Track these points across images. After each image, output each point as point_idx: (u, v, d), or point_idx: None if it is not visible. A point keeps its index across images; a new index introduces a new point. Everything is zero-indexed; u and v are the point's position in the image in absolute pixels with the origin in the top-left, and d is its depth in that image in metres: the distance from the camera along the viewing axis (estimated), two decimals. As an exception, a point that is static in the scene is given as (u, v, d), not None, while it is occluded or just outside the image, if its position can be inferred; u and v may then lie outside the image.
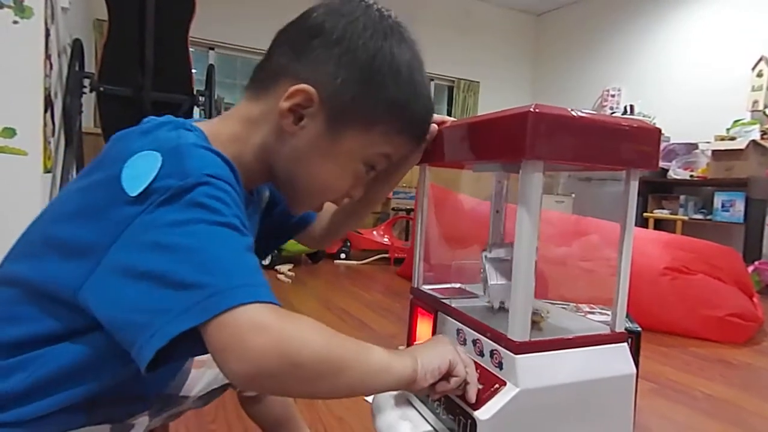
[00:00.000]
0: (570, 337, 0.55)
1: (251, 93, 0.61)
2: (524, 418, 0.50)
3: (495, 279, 0.64)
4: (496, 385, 0.51)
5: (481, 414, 0.49)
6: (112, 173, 0.47)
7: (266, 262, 3.30)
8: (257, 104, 0.59)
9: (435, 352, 0.53)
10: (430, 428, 0.58)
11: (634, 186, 0.57)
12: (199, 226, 0.44)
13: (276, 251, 3.28)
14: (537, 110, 0.47)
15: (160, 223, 0.44)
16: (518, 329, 0.51)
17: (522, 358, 0.50)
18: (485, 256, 0.65)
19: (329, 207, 0.82)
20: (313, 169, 0.59)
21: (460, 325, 0.60)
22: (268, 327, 0.42)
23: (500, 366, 0.52)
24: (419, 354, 0.52)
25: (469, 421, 0.50)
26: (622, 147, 0.53)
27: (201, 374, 0.75)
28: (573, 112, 0.50)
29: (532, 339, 0.51)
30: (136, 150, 0.48)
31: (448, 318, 0.63)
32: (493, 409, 0.49)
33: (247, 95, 0.61)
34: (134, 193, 0.45)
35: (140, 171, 0.46)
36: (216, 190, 0.46)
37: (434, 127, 0.68)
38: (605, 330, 0.58)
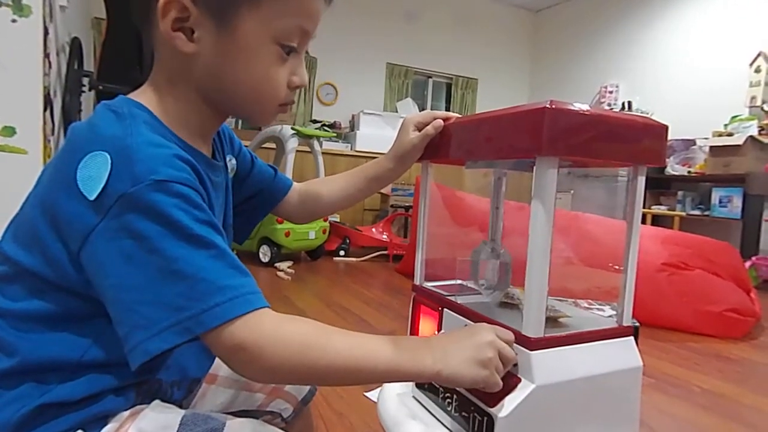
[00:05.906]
0: (581, 332, 0.55)
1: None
2: (540, 414, 0.50)
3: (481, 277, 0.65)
4: (511, 382, 0.51)
5: (499, 411, 0.49)
6: (70, 170, 0.46)
7: (266, 259, 3.30)
8: (160, 47, 0.55)
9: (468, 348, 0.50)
10: (444, 429, 0.58)
11: (641, 181, 0.57)
12: (163, 242, 0.43)
13: (276, 248, 3.27)
14: (553, 106, 0.47)
15: (124, 234, 0.44)
16: (533, 325, 0.51)
17: (537, 354, 0.50)
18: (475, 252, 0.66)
19: (306, 185, 0.81)
20: (235, 74, 0.54)
21: (469, 322, 0.60)
22: (249, 348, 0.44)
23: (514, 362, 0.52)
24: (445, 353, 0.50)
25: (486, 418, 0.50)
26: (632, 143, 0.54)
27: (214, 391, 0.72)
28: (585, 109, 0.50)
29: (546, 335, 0.52)
30: (87, 149, 0.46)
31: (456, 315, 0.63)
32: (510, 405, 0.49)
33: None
34: (92, 197, 0.44)
35: (93, 173, 0.45)
36: (169, 196, 0.45)
37: (439, 122, 0.68)
38: (612, 324, 0.59)
